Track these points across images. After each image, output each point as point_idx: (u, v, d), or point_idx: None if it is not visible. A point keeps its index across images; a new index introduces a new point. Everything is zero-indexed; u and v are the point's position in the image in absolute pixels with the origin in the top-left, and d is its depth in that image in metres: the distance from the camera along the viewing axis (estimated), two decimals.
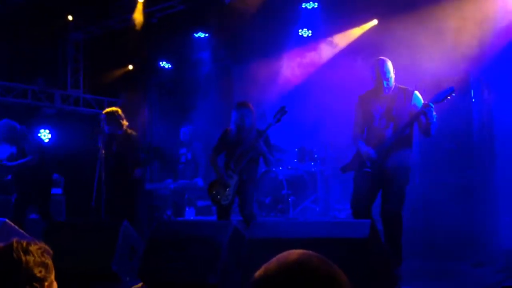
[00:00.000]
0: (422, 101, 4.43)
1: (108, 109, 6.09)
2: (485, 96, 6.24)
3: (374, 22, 8.10)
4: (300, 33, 8.71)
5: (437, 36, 6.62)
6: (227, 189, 5.25)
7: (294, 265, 1.12)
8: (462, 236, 5.31)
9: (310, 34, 8.70)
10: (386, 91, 4.42)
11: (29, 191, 5.94)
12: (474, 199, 5.67)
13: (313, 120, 7.92)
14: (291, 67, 8.64)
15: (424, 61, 6.50)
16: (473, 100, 6.05)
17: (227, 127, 5.53)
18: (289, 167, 8.01)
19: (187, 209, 8.24)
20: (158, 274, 3.60)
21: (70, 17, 9.85)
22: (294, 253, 1.15)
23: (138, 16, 9.38)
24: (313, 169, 7.94)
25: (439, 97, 4.24)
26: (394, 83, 4.45)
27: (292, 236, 3.20)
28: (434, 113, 4.21)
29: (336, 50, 8.47)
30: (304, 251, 1.17)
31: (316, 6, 8.28)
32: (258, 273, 1.12)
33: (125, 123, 6.02)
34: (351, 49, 8.00)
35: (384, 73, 4.37)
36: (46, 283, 1.67)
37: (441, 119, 6.11)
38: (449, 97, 4.25)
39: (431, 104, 4.19)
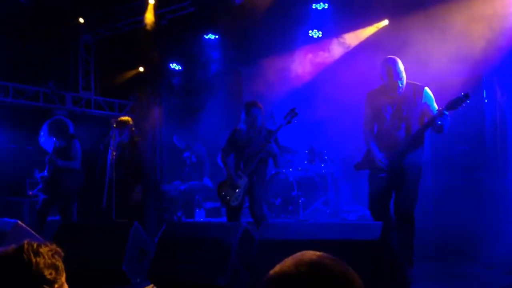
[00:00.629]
0: (433, 98, 4.37)
1: (120, 118, 6.13)
2: (498, 97, 6.18)
3: (385, 22, 8.05)
4: (310, 34, 8.68)
5: (449, 36, 6.56)
6: (237, 190, 5.23)
7: (310, 264, 1.13)
8: (473, 238, 5.26)
9: (320, 35, 8.67)
10: (397, 90, 4.34)
11: (60, 193, 6.04)
12: (486, 201, 5.61)
13: (323, 121, 7.89)
14: (301, 69, 8.62)
15: (436, 62, 6.45)
16: (486, 101, 5.99)
17: (235, 127, 5.52)
18: (299, 169, 7.99)
19: (197, 210, 8.25)
20: (168, 275, 3.60)
21: (81, 20, 9.91)
22: (309, 253, 1.17)
23: (149, 18, 9.42)
24: (323, 171, 7.91)
25: (453, 105, 4.12)
26: (405, 82, 4.38)
27: (302, 238, 3.18)
28: (447, 120, 4.16)
29: (347, 50, 8.44)
30: (319, 252, 1.18)
31: (326, 7, 8.25)
32: (273, 271, 1.14)
33: (133, 131, 6.10)
34: (362, 50, 7.96)
35: (397, 73, 4.29)
36: (56, 285, 1.67)
37: (453, 121, 6.06)
38: (463, 104, 4.13)
39: (445, 112, 4.09)
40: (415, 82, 4.43)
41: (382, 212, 4.38)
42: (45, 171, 6.00)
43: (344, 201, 7.89)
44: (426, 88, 4.39)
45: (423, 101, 4.33)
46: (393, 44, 6.86)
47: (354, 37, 8.45)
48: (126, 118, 6.24)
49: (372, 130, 4.56)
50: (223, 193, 5.34)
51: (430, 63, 6.41)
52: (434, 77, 6.21)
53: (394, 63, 4.34)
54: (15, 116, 8.30)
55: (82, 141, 6.74)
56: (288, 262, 1.16)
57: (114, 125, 5.90)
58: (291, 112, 5.21)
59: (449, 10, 6.66)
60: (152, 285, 3.78)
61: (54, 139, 6.02)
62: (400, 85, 4.31)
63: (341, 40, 8.55)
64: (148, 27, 9.54)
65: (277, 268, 1.15)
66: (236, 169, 5.36)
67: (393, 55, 4.55)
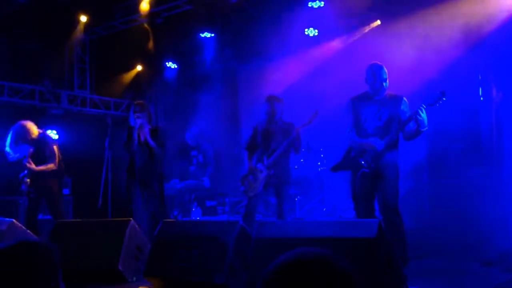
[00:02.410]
0: (409, 107, 4.60)
1: (138, 101, 5.98)
2: (493, 95, 6.20)
3: (378, 22, 8.05)
4: (306, 32, 8.67)
5: (444, 35, 6.57)
6: (256, 182, 5.40)
7: (310, 257, 1.15)
8: (471, 235, 5.28)
9: (316, 34, 8.66)
10: (380, 95, 4.60)
11: (43, 192, 5.98)
12: (483, 198, 5.63)
13: (319, 119, 7.89)
14: (297, 67, 8.61)
15: (431, 61, 6.46)
16: (481, 98, 6.01)
17: (255, 125, 5.69)
18: (296, 167, 7.99)
19: (193, 209, 8.24)
20: (164, 274, 3.59)
21: (82, 18, 9.87)
22: (310, 250, 1.19)
23: (144, 16, 9.40)
24: (319, 169, 7.92)
25: (430, 102, 4.33)
26: (387, 87, 4.62)
27: (298, 236, 3.18)
28: (425, 118, 4.32)
29: (342, 48, 8.43)
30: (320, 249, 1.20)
31: (322, 5, 8.23)
32: (274, 265, 1.15)
33: (149, 117, 5.82)
34: (357, 48, 7.96)
35: (381, 78, 4.55)
36: (52, 283, 1.67)
37: (449, 118, 6.09)
38: (440, 102, 4.32)
39: (421, 109, 4.28)
40: (394, 93, 4.68)
41: (368, 211, 4.57)
42: (25, 173, 5.96)
43: (340, 199, 7.89)
44: (404, 98, 4.64)
45: (401, 107, 4.59)
46: (385, 43, 6.88)
47: (350, 36, 8.45)
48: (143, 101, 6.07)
49: (354, 133, 4.77)
50: (243, 185, 5.51)
51: (424, 63, 6.42)
52: (429, 76, 6.23)
53: (379, 68, 4.61)
54: (11, 115, 8.25)
55: (77, 139, 6.70)
56: (288, 258, 1.17)
57: (134, 107, 5.73)
58: (316, 113, 5.42)
59: (444, 9, 6.67)
60: (148, 284, 3.77)
61: (25, 145, 5.97)
62: (382, 89, 4.58)
63: (337, 38, 8.54)
64: (144, 25, 9.53)
65: (278, 263, 1.17)
66: (257, 162, 5.51)
67: (386, 54, 4.74)
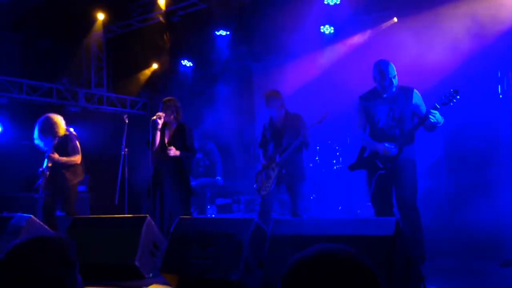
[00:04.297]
0: (421, 98, 4.55)
1: (167, 98, 5.91)
2: None
3: (394, 20, 7.98)
4: (322, 30, 8.63)
5: (461, 32, 6.49)
6: (269, 180, 5.39)
7: (330, 254, 1.15)
8: (489, 235, 5.21)
9: (332, 31, 8.62)
10: (389, 92, 4.53)
11: (61, 189, 6.02)
12: (500, 197, 5.55)
13: (336, 117, 7.85)
14: (313, 64, 8.57)
15: (448, 58, 6.38)
16: (500, 96, 5.92)
17: (265, 121, 5.68)
18: (310, 165, 7.96)
19: (208, 206, 8.27)
20: (180, 270, 3.60)
21: (101, 16, 9.94)
22: (330, 245, 1.19)
23: (160, 14, 9.44)
24: (335, 167, 7.88)
25: (443, 100, 4.26)
26: (397, 83, 4.56)
27: (315, 234, 3.16)
28: (440, 117, 4.28)
29: (358, 45, 8.36)
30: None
31: (338, 2, 8.19)
32: (295, 259, 1.14)
33: (178, 114, 5.75)
34: (374, 45, 7.89)
35: (390, 74, 4.48)
36: (68, 278, 1.68)
37: (467, 116, 6.00)
38: (454, 100, 4.25)
39: (432, 111, 4.24)
40: (404, 85, 4.60)
41: (386, 210, 4.52)
42: (45, 167, 5.98)
43: (356, 197, 7.84)
44: (415, 90, 4.56)
45: (413, 102, 4.51)
46: (402, 41, 6.81)
47: (366, 33, 8.38)
48: (171, 98, 6.07)
49: (365, 132, 4.73)
50: (257, 182, 5.53)
51: (444, 60, 6.35)
52: (448, 74, 6.15)
53: (387, 64, 4.53)
54: (28, 113, 8.37)
55: (94, 136, 6.70)
56: (308, 250, 1.16)
57: (161, 105, 5.65)
58: (326, 114, 5.43)
59: (461, 5, 6.58)
60: (164, 280, 3.79)
61: (50, 137, 5.99)
62: (391, 86, 4.50)
63: (353, 35, 8.48)
64: (160, 23, 9.57)
65: (298, 257, 1.16)
66: (271, 161, 5.49)
67: (403, 52, 4.68)
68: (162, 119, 5.60)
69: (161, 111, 5.64)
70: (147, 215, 4.35)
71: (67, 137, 6.06)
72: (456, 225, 5.70)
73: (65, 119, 6.33)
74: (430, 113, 4.23)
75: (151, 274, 4.09)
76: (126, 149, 6.86)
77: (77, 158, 6.08)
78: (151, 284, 3.89)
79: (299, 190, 5.44)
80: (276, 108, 5.46)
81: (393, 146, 4.45)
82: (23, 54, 9.74)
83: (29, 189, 6.18)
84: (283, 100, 5.52)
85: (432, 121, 4.24)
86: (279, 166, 5.39)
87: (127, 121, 6.74)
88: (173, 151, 5.46)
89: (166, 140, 5.64)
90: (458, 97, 4.23)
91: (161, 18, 9.68)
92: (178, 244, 3.73)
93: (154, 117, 5.60)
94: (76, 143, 6.14)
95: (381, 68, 4.51)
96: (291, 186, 5.42)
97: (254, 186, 5.59)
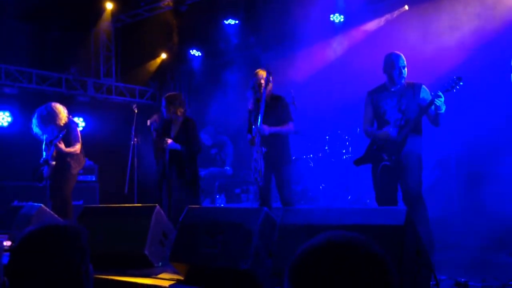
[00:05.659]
0: (429, 93, 4.52)
1: (169, 94, 5.92)
2: None
3: (405, 7, 7.88)
4: (331, 19, 8.55)
5: (473, 20, 6.40)
6: (258, 164, 5.27)
7: (342, 241, 1.14)
8: (499, 226, 5.17)
9: (342, 20, 8.53)
10: (399, 84, 4.55)
11: (64, 177, 6.05)
12: (511, 187, 5.50)
13: (345, 107, 7.80)
14: (322, 53, 8.51)
15: (460, 47, 6.30)
16: None
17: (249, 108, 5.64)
18: (320, 155, 7.94)
19: (217, 196, 8.28)
20: (189, 259, 3.61)
21: (110, 5, 9.93)
22: (342, 232, 1.17)
23: (168, 4, 9.40)
24: (344, 157, 7.85)
25: (446, 87, 4.30)
26: (406, 75, 4.57)
27: (325, 223, 3.15)
28: (443, 103, 4.29)
29: (368, 34, 8.28)
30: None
31: None
32: (305, 247, 1.12)
33: (182, 109, 5.73)
34: (384, 34, 7.80)
35: (400, 65, 4.50)
36: (82, 265, 1.69)
37: (479, 106, 5.94)
38: (458, 87, 4.28)
39: (440, 93, 4.26)
40: (412, 81, 4.61)
41: (391, 203, 4.51)
42: (49, 156, 5.99)
43: (366, 187, 7.81)
44: (424, 86, 4.57)
45: (421, 96, 4.53)
46: (413, 31, 6.73)
47: (376, 22, 8.29)
48: (175, 93, 6.02)
49: (372, 127, 4.76)
50: (254, 174, 5.40)
51: (455, 47, 6.27)
52: (459, 61, 6.08)
53: (397, 56, 4.55)
54: (38, 102, 8.41)
55: (103, 126, 6.71)
56: (318, 240, 1.14)
57: (163, 101, 5.70)
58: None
59: None
60: (173, 268, 3.81)
61: (51, 126, 6.00)
62: (402, 79, 4.53)
63: (363, 24, 8.40)
64: (168, 13, 9.53)
65: (308, 244, 1.14)
66: (253, 140, 5.40)
67: (413, 41, 4.66)
68: (158, 120, 5.66)
69: (164, 107, 5.65)
70: (156, 204, 4.36)
71: (69, 126, 6.08)
72: (466, 216, 5.67)
73: (74, 109, 6.36)
74: (436, 96, 4.24)
75: (160, 263, 4.10)
76: (136, 139, 6.88)
77: (79, 147, 6.10)
78: (160, 273, 3.91)
79: (285, 174, 5.31)
80: (265, 86, 5.52)
81: (391, 128, 4.48)
82: (32, 44, 9.77)
83: (32, 178, 6.20)
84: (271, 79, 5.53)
85: (438, 104, 4.24)
86: (261, 141, 5.23)
87: (136, 111, 6.74)
88: (170, 143, 5.48)
89: (172, 135, 5.65)
90: (461, 83, 4.26)
91: (169, 8, 9.65)
92: (187, 233, 3.73)
93: (148, 123, 5.66)
94: (77, 132, 6.17)
95: (392, 59, 4.54)
96: (277, 171, 5.29)
97: (251, 175, 5.43)
